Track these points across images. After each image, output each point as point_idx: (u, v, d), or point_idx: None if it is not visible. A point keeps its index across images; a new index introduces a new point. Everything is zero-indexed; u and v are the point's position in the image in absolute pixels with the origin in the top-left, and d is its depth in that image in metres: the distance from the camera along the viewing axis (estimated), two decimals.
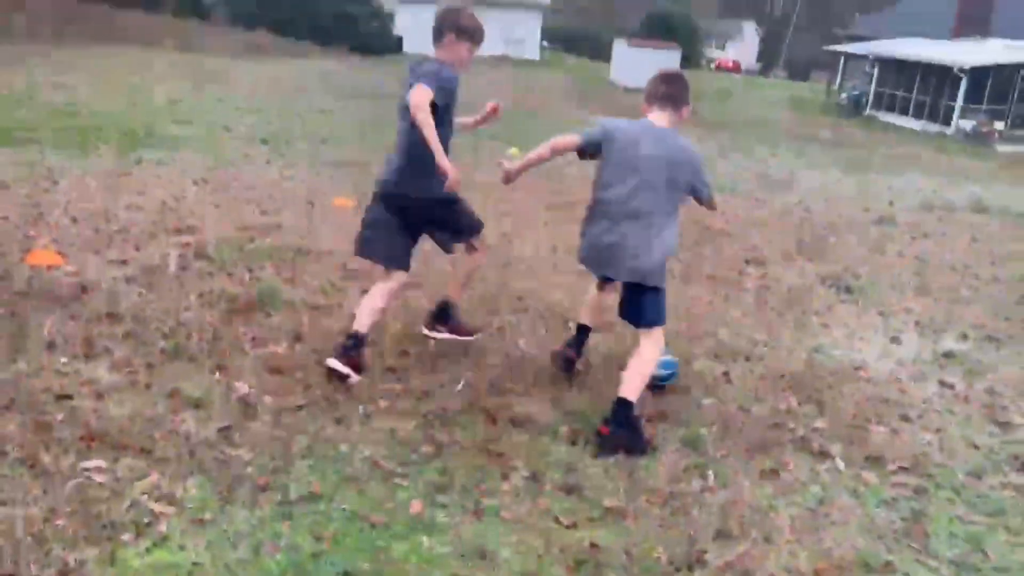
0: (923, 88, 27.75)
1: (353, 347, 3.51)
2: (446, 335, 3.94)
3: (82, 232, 5.31)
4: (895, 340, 4.87)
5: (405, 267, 3.63)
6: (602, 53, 36.95)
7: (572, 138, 3.40)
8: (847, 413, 3.69)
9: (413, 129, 3.28)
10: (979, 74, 25.98)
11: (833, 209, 9.15)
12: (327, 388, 3.42)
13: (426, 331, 3.96)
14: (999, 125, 25.92)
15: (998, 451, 3.50)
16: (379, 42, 30.87)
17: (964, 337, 5.08)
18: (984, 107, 26.19)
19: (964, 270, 6.84)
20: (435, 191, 3.38)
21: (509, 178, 3.53)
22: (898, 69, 29.04)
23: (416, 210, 3.54)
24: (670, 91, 3.41)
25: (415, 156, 3.38)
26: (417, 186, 3.46)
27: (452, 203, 3.58)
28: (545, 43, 41.12)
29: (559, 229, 6.83)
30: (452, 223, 3.68)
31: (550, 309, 4.75)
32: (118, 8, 23.97)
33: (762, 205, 9.00)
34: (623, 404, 3.16)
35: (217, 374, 3.44)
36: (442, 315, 3.95)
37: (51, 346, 3.51)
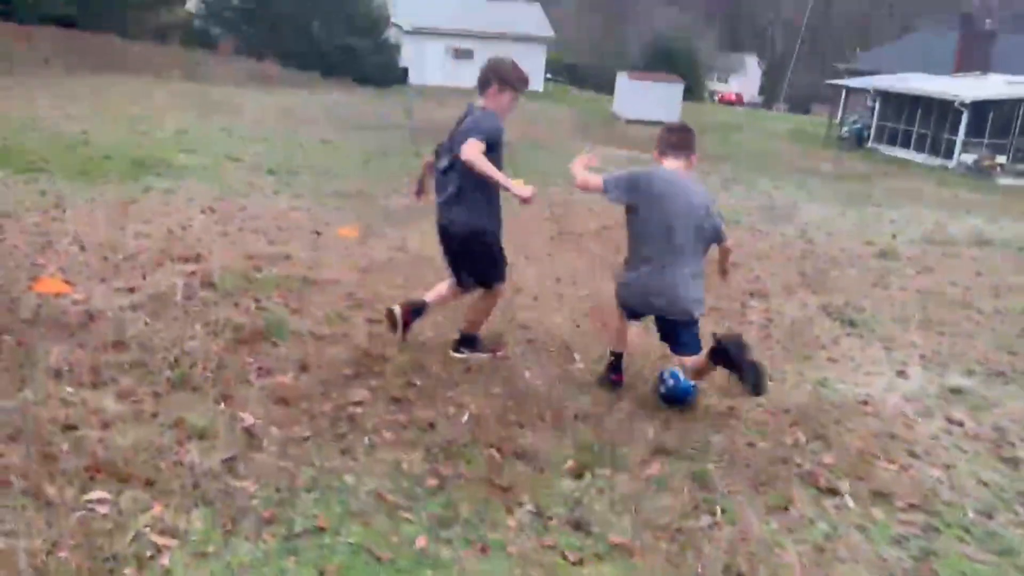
0: (924, 122, 27.96)
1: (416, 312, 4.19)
2: (471, 353, 4.22)
3: (90, 260, 5.34)
4: (901, 374, 4.86)
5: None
6: (606, 86, 37.32)
7: (596, 181, 3.75)
8: (853, 448, 3.67)
9: (467, 174, 3.77)
10: (980, 108, 26.19)
11: (835, 242, 9.17)
12: (332, 419, 3.42)
13: (452, 353, 4.24)
14: (1001, 159, 26.06)
15: (1007, 489, 3.47)
16: (384, 73, 31.21)
17: (970, 372, 5.06)
18: (986, 141, 26.35)
19: (968, 304, 6.83)
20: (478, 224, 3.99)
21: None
22: (899, 103, 29.28)
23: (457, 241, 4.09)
24: (680, 141, 3.84)
25: (467, 196, 3.92)
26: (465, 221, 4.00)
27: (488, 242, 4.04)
28: (549, 75, 41.54)
29: (562, 259, 6.86)
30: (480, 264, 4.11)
31: (553, 339, 4.74)
32: (126, 39, 24.32)
33: (764, 237, 9.03)
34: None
35: (222, 404, 3.44)
36: (465, 340, 4.25)
37: (58, 374, 3.52)
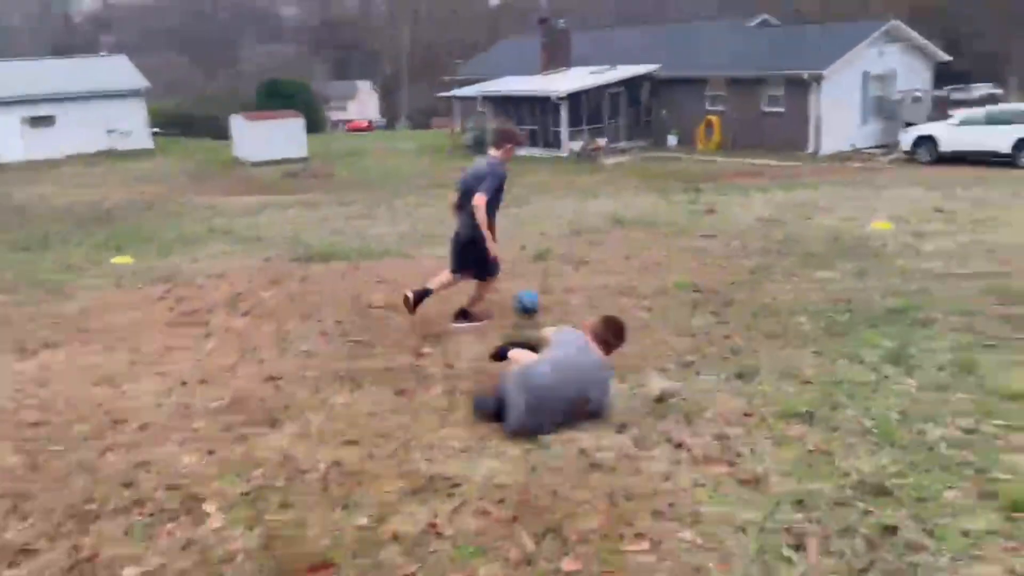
0: (532, 119, 30.11)
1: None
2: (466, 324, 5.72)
3: None
4: None
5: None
6: (224, 132, 34.76)
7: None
8: (591, 533, 2.86)
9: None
10: (574, 99, 28.79)
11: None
12: None
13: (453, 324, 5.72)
14: (602, 141, 28.92)
15: (766, 526, 2.90)
16: None
17: (663, 371, 4.66)
18: (585, 128, 29.07)
19: (631, 291, 6.65)
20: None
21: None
22: (506, 105, 31.18)
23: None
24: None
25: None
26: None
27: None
28: (157, 130, 37.78)
29: (184, 354, 5.36)
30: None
31: (176, 492, 3.35)
32: None
33: (418, 263, 8.27)
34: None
35: None
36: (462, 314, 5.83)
37: None
